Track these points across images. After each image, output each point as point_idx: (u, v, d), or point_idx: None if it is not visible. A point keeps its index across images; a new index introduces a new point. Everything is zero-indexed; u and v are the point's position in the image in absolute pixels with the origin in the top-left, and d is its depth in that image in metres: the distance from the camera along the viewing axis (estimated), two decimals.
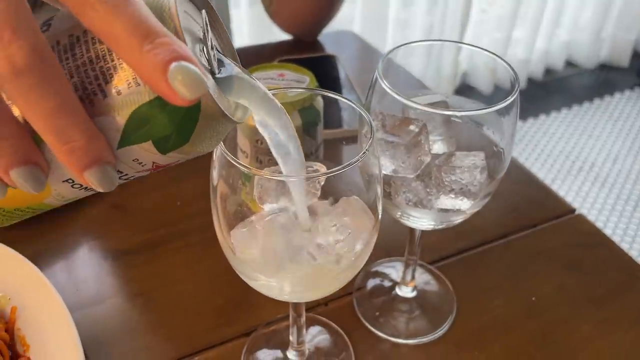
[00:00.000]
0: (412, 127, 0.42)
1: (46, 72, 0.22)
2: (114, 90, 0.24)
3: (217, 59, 0.27)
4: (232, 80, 0.28)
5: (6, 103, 0.23)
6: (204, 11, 0.27)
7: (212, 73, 0.27)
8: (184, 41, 0.24)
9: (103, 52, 0.24)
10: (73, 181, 0.26)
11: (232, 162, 0.33)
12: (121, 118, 0.24)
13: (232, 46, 0.30)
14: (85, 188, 0.27)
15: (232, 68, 0.28)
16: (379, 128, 0.43)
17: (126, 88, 0.24)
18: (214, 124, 0.26)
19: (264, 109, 0.30)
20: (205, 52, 0.26)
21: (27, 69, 0.22)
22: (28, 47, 0.21)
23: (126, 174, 0.26)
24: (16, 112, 0.24)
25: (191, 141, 0.26)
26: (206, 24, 0.27)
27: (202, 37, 0.27)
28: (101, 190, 0.25)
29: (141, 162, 0.26)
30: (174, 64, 0.22)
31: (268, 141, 0.32)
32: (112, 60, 0.24)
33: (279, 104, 0.31)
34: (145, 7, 0.23)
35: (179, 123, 0.25)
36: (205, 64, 0.26)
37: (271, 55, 0.91)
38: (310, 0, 0.91)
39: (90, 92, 0.24)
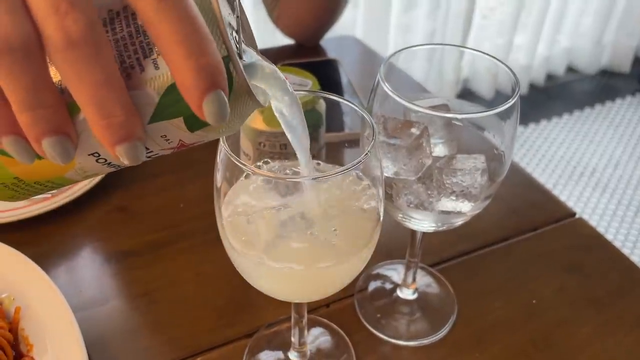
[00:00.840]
0: (413, 130, 0.43)
1: (97, 46, 0.22)
2: (152, 65, 0.24)
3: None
4: (255, 66, 0.30)
5: (48, 71, 0.23)
6: (236, 1, 0.29)
7: (240, 57, 0.28)
8: (227, 36, 0.25)
9: (143, 28, 0.24)
10: (99, 155, 0.26)
11: (237, 164, 0.34)
12: (156, 93, 0.24)
13: (252, 36, 0.32)
14: (109, 163, 0.27)
15: (254, 55, 0.30)
16: (380, 131, 0.44)
17: (164, 63, 0.24)
18: (241, 105, 0.27)
19: (282, 92, 0.32)
20: (235, 37, 0.28)
21: (81, 42, 0.22)
22: (83, 20, 0.22)
23: (151, 151, 0.27)
24: (55, 79, 0.24)
25: None
26: (238, 14, 0.28)
27: (231, 23, 0.28)
28: (127, 164, 0.25)
29: (168, 139, 0.26)
30: (212, 93, 0.23)
31: (283, 124, 0.34)
32: None
33: (293, 90, 0.33)
34: (193, 6, 0.23)
35: None
36: (235, 48, 0.27)
37: (274, 59, 0.91)
38: (312, 6, 0.92)
39: (127, 66, 0.24)
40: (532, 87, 2.49)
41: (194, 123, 0.26)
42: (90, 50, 0.22)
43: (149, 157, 0.28)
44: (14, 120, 0.24)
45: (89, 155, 0.26)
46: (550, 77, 2.56)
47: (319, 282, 0.39)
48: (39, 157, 0.25)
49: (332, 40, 1.02)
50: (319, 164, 0.43)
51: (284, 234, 0.36)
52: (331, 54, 0.98)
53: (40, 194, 0.30)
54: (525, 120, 2.27)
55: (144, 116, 0.25)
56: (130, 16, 0.24)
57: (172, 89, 0.24)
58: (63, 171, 0.27)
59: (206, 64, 0.23)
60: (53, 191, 0.31)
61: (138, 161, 0.25)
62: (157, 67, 0.24)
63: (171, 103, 0.25)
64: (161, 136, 0.26)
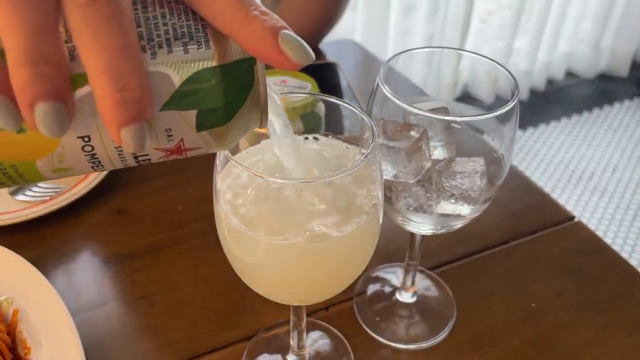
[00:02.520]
0: (412, 133, 0.43)
1: (120, 8, 0.21)
2: (181, 47, 0.24)
3: None
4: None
5: (58, 21, 0.21)
6: None
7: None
8: None
9: (179, 10, 0.24)
10: (89, 140, 0.24)
11: (236, 165, 0.34)
12: (179, 78, 0.24)
13: None
14: (93, 155, 0.25)
15: None
16: (380, 134, 0.44)
17: (196, 48, 0.24)
18: (250, 115, 0.27)
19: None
20: None
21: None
22: None
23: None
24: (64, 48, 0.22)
25: (228, 125, 0.26)
26: None
27: None
28: (131, 150, 0.23)
29: (171, 135, 0.25)
30: (283, 30, 0.23)
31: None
32: (188, 20, 0.24)
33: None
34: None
35: (231, 99, 0.25)
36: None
37: None
38: (312, 9, 0.92)
39: (155, 44, 0.23)
40: (532, 92, 2.49)
41: (205, 119, 0.25)
42: (114, 11, 0.21)
43: (138, 160, 0.26)
44: (3, 78, 0.21)
45: (77, 137, 0.24)
46: (549, 82, 2.56)
47: (320, 270, 0.37)
48: (19, 129, 0.23)
49: (331, 44, 1.02)
50: (316, 138, 0.43)
51: (284, 206, 0.36)
52: (330, 57, 0.98)
53: None
54: (524, 124, 2.27)
55: (157, 101, 0.23)
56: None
57: (196, 76, 0.24)
58: (38, 154, 0.24)
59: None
60: (10, 187, 0.27)
61: (142, 149, 0.23)
62: (186, 51, 0.24)
63: (191, 92, 0.24)
64: (165, 129, 0.25)
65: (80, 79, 0.22)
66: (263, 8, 0.23)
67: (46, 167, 0.25)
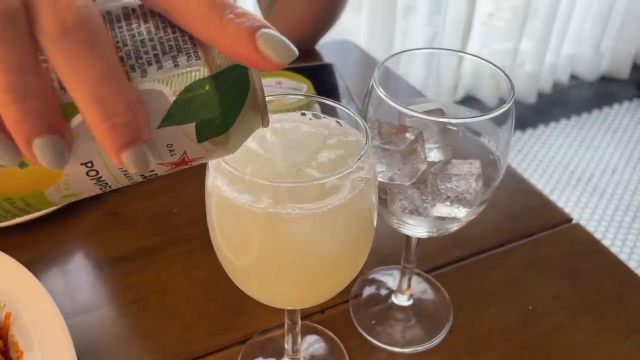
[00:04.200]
0: (408, 135, 0.42)
1: (94, 35, 0.21)
2: (171, 62, 0.23)
3: None
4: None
5: (37, 54, 0.21)
6: None
7: None
8: None
9: (163, 24, 0.23)
10: (92, 165, 0.24)
11: (228, 167, 0.34)
12: (172, 93, 0.23)
13: None
14: (99, 178, 0.25)
15: None
16: (375, 135, 0.43)
17: (185, 61, 0.23)
18: (249, 120, 0.26)
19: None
20: None
21: (76, 29, 0.21)
22: (77, 6, 0.21)
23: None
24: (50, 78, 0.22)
25: (229, 132, 0.26)
26: None
27: None
28: (135, 172, 0.23)
29: (173, 149, 0.25)
30: (261, 30, 0.22)
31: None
32: (174, 32, 0.23)
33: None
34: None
35: (228, 106, 0.25)
36: None
37: None
38: (308, 10, 0.92)
39: (144, 62, 0.23)
40: (540, 95, 2.48)
41: (205, 130, 0.25)
42: (87, 39, 0.21)
43: (144, 175, 0.26)
44: None
45: (80, 164, 0.24)
46: (554, 85, 2.56)
47: (308, 254, 0.36)
48: (21, 164, 0.23)
49: (329, 45, 1.02)
50: (316, 116, 0.42)
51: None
52: (329, 58, 0.97)
53: (7, 218, 0.26)
54: (525, 126, 2.27)
55: (153, 119, 0.23)
56: (148, 13, 0.23)
57: (190, 89, 0.23)
58: (44, 184, 0.24)
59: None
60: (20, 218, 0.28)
61: (147, 169, 0.23)
62: (176, 65, 0.23)
63: (187, 105, 0.24)
64: (167, 145, 0.24)
65: (73, 107, 0.22)
66: (240, 10, 0.23)
67: (54, 195, 0.25)
